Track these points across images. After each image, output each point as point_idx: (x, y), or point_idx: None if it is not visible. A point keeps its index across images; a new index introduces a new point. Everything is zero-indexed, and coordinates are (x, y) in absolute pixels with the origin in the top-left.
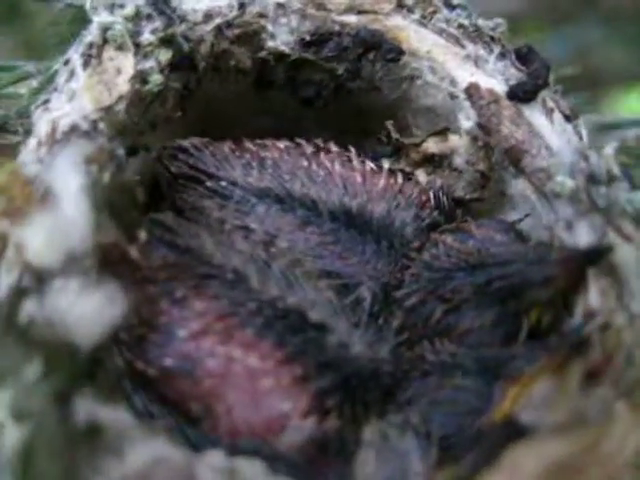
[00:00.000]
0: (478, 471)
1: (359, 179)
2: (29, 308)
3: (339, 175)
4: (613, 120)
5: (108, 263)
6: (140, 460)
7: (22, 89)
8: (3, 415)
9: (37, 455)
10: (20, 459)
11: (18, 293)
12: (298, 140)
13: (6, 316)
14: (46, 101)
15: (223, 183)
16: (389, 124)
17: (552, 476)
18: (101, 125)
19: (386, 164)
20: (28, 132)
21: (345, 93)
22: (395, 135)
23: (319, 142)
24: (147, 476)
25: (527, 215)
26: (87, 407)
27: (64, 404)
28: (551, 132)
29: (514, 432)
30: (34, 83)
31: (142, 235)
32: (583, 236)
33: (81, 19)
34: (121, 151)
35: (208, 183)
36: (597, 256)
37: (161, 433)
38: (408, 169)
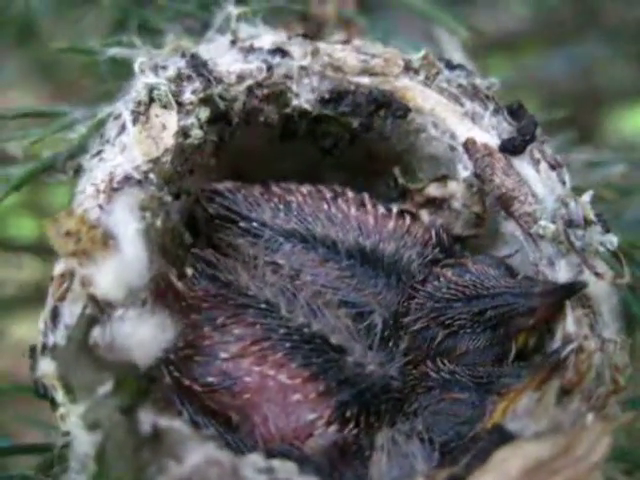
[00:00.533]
0: (471, 470)
1: (372, 221)
2: (96, 334)
3: (355, 218)
4: (599, 158)
5: (159, 295)
6: (195, 461)
7: (70, 134)
8: (76, 425)
9: (109, 458)
10: (95, 461)
11: (88, 322)
12: (318, 186)
13: (79, 343)
14: (99, 152)
15: (254, 224)
16: (396, 171)
17: (532, 474)
18: (151, 175)
19: (394, 207)
20: (77, 172)
21: (359, 142)
22: (401, 180)
23: (337, 188)
24: (201, 474)
25: (516, 251)
26: (149, 417)
27: (130, 415)
28: (537, 181)
29: (502, 438)
30: (82, 130)
31: (189, 270)
32: (562, 272)
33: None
34: (169, 198)
35: (241, 224)
36: (573, 291)
37: (210, 439)
38: (413, 209)
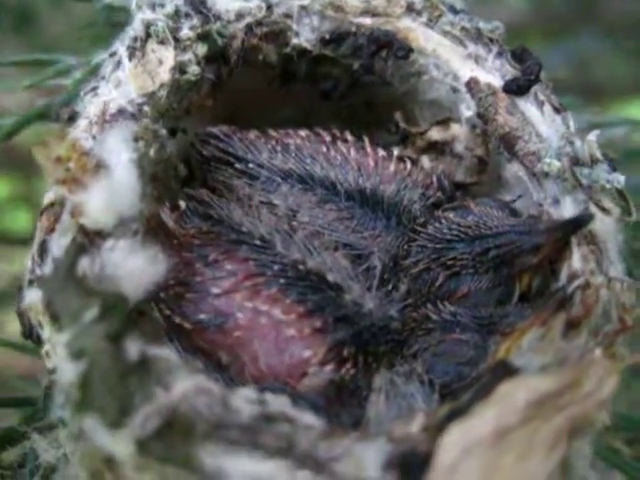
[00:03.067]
0: (474, 403)
1: (372, 163)
2: (84, 264)
3: (354, 160)
4: (602, 119)
5: (150, 229)
6: (183, 389)
7: (64, 81)
8: (61, 356)
9: (94, 386)
10: (79, 390)
11: (75, 251)
12: (317, 130)
13: (66, 270)
14: (94, 88)
15: (250, 165)
16: (397, 115)
17: (537, 409)
18: (145, 108)
19: (395, 151)
20: (71, 119)
21: (360, 87)
22: (402, 124)
23: (336, 131)
24: (189, 403)
25: (520, 196)
26: (137, 345)
27: (117, 343)
28: (541, 121)
29: (506, 372)
30: (77, 75)
31: (182, 204)
32: (568, 209)
33: (112, 22)
34: (163, 131)
35: (237, 165)
36: (578, 225)
37: (200, 371)
38: (414, 156)
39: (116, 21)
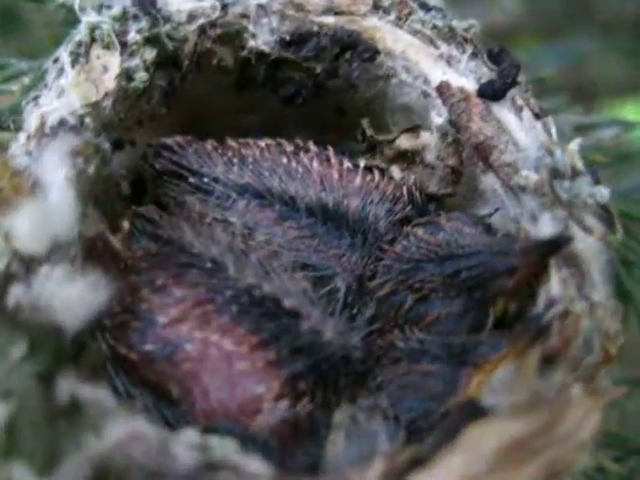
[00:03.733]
0: (438, 450)
1: (336, 176)
2: (16, 293)
3: (317, 172)
4: (591, 121)
5: (92, 252)
6: (117, 435)
7: (14, 86)
8: None
9: (20, 430)
10: (5, 434)
11: (6, 279)
12: (279, 139)
13: None
14: (36, 97)
15: (205, 179)
16: (364, 122)
17: (509, 455)
18: (88, 120)
19: (362, 162)
20: (19, 128)
21: (324, 92)
22: (370, 132)
23: (299, 142)
24: (123, 450)
25: (496, 210)
26: (69, 386)
27: (47, 383)
28: (519, 129)
29: (474, 413)
30: (26, 80)
31: (125, 225)
32: (546, 228)
33: (74, 20)
34: (106, 145)
35: (191, 179)
36: (557, 246)
37: (139, 412)
38: (383, 165)
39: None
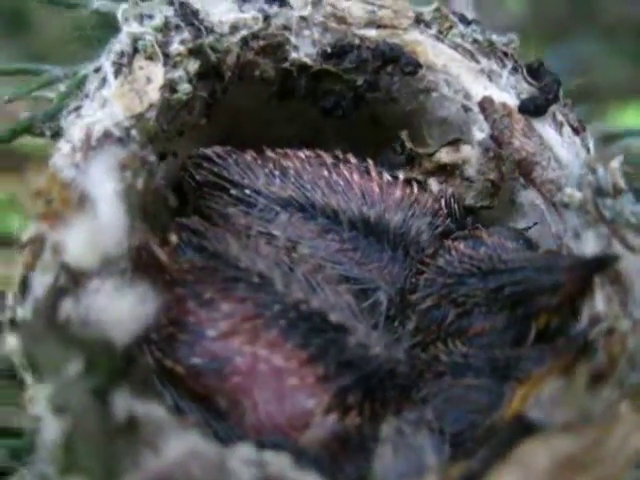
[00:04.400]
0: (489, 466)
1: (377, 189)
2: (67, 307)
3: (358, 185)
4: (617, 130)
5: (139, 265)
6: (175, 453)
7: (49, 93)
8: (43, 409)
9: (78, 447)
10: (62, 450)
11: (57, 292)
12: (318, 151)
13: (47, 315)
14: (78, 107)
15: (247, 191)
16: (403, 134)
17: (561, 471)
18: (133, 132)
19: (401, 175)
20: (56, 135)
21: (363, 104)
22: (409, 144)
23: (338, 153)
24: (182, 468)
25: (536, 223)
26: (125, 402)
27: (103, 399)
28: (560, 145)
29: (524, 428)
30: (62, 87)
31: (173, 238)
32: (590, 245)
33: (105, 25)
34: (153, 157)
35: (232, 191)
36: (603, 265)
37: (193, 427)
38: (421, 178)
39: (109, 23)
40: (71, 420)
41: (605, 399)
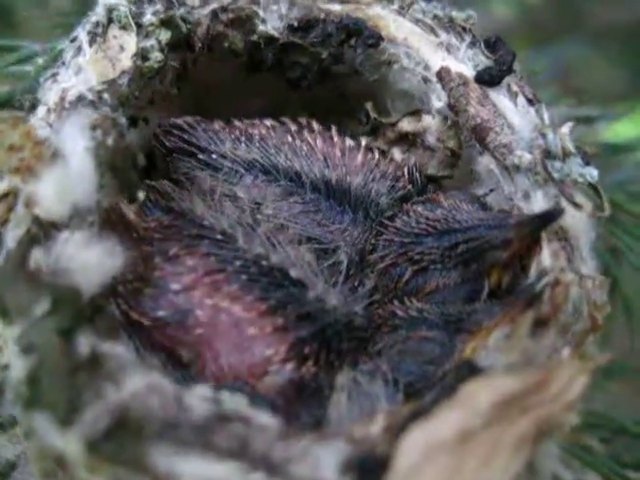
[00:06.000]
0: (437, 404)
1: (339, 154)
2: (37, 256)
3: (320, 150)
4: (581, 113)
5: (108, 221)
6: (135, 386)
7: (27, 67)
8: (12, 349)
9: (43, 382)
10: (28, 386)
11: (28, 242)
12: (283, 119)
13: (17, 262)
14: (54, 74)
15: (214, 156)
16: (368, 105)
17: (502, 410)
18: (105, 95)
19: (363, 141)
20: (34, 106)
21: (329, 77)
22: (373, 115)
23: (303, 121)
24: (141, 401)
25: (492, 190)
26: (89, 341)
27: (68, 339)
28: (514, 113)
29: (470, 371)
30: (40, 61)
31: (140, 195)
32: (539, 205)
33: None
34: (123, 120)
35: (200, 156)
36: (548, 219)
37: (154, 368)
38: (384, 147)
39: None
40: (37, 358)
41: (548, 345)
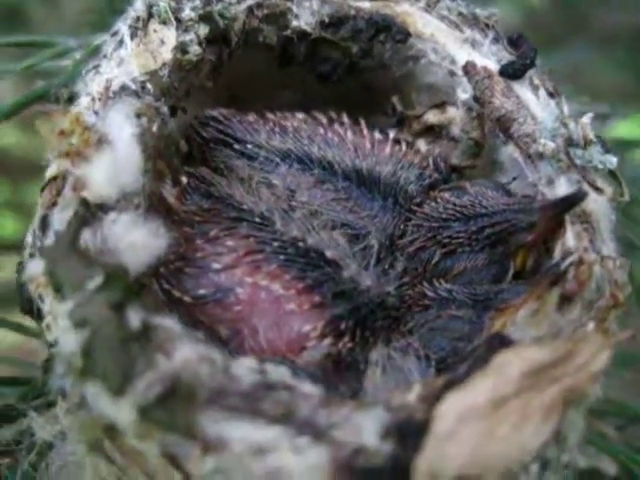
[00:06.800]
0: (470, 375)
1: (368, 145)
2: (86, 237)
3: (351, 141)
4: (594, 110)
5: (152, 204)
6: (186, 356)
7: (64, 62)
8: (64, 323)
9: (96, 353)
10: (81, 357)
11: (77, 223)
12: (314, 113)
13: (68, 241)
14: (96, 66)
15: (249, 146)
16: (394, 98)
17: (532, 379)
18: (148, 86)
19: (391, 134)
20: (71, 99)
21: (357, 72)
22: (399, 107)
23: (333, 114)
24: (191, 369)
25: (514, 178)
26: (139, 314)
27: (120, 311)
28: (536, 104)
29: (501, 343)
30: (77, 56)
31: (183, 180)
32: (562, 190)
33: (112, 8)
34: (165, 109)
35: (236, 146)
36: (572, 202)
37: (202, 340)
38: (410, 138)
39: (117, 8)
40: (90, 331)
41: (574, 319)
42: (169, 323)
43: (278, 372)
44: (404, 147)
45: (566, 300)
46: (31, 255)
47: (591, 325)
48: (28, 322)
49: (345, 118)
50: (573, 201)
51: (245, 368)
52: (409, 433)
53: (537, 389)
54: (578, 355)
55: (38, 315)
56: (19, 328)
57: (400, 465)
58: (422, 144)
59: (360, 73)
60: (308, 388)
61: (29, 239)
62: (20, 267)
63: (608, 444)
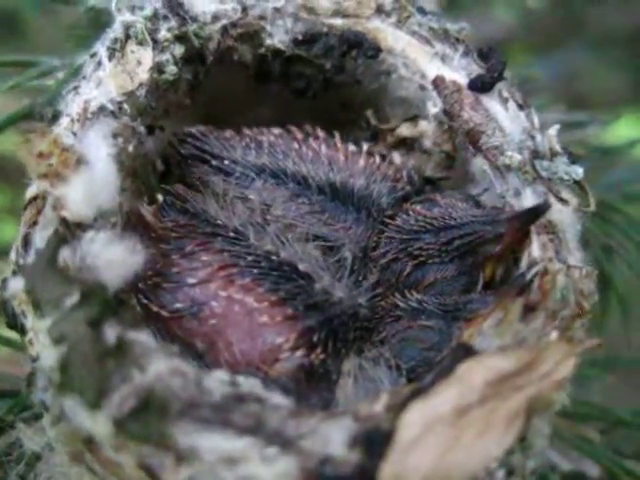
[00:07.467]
0: (435, 384)
1: (342, 158)
2: (65, 255)
3: (325, 155)
4: (574, 118)
5: (129, 222)
6: (159, 370)
7: (48, 81)
8: (44, 339)
9: (73, 368)
10: (59, 372)
11: (56, 242)
12: (290, 127)
13: (47, 259)
14: (76, 87)
15: (226, 162)
16: (369, 112)
17: (495, 387)
18: (125, 106)
19: (365, 147)
20: (55, 118)
21: (332, 88)
22: (374, 122)
23: (308, 128)
24: (164, 383)
25: (485, 190)
26: (115, 330)
27: (96, 328)
28: (505, 117)
29: (466, 353)
30: (60, 75)
31: (159, 197)
32: (528, 201)
33: (97, 23)
34: (141, 128)
35: (213, 162)
36: (537, 214)
37: (175, 354)
38: (384, 152)
39: (101, 22)
40: (67, 347)
41: (537, 329)
42: (144, 338)
43: (249, 384)
44: (377, 159)
45: (530, 310)
46: (14, 272)
47: (555, 334)
48: (15, 336)
49: (320, 132)
50: (538, 213)
51: (217, 380)
52: (375, 442)
53: (501, 397)
54: (542, 363)
55: (22, 330)
56: (7, 342)
57: (366, 474)
58: (397, 157)
59: (335, 88)
60: (278, 399)
61: (12, 256)
62: (3, 284)
63: (592, 448)
